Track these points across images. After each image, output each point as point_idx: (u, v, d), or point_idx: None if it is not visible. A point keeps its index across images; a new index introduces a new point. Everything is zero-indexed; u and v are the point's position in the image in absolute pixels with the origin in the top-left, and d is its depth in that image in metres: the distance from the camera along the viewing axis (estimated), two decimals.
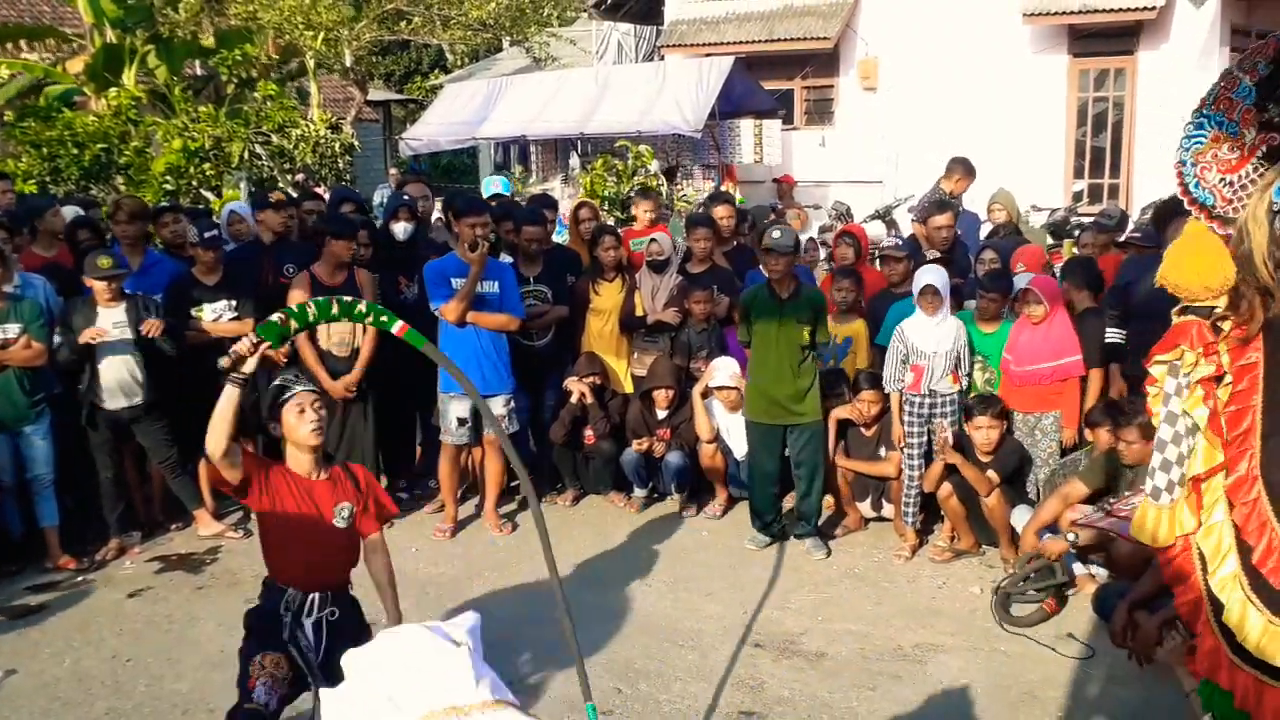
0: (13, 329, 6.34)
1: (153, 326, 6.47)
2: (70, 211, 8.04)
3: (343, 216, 7.53)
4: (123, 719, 4.89)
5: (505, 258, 7.46)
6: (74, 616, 5.99)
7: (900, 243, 7.96)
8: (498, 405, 6.88)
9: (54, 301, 6.80)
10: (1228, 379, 2.89)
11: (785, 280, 6.52)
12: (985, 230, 9.08)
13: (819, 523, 6.83)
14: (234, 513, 7.38)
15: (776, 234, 6.59)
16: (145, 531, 7.08)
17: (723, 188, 13.11)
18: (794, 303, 6.51)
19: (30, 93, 14.70)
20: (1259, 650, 2.78)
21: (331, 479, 4.15)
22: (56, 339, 6.48)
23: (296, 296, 6.89)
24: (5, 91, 14.65)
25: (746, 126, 14.41)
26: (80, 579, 6.49)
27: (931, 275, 6.55)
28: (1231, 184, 2.88)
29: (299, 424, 4.04)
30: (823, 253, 9.45)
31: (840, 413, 6.90)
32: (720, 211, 8.31)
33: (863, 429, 6.88)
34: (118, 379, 6.57)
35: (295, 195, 9.51)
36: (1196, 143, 2.89)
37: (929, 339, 6.50)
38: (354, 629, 4.07)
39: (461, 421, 6.84)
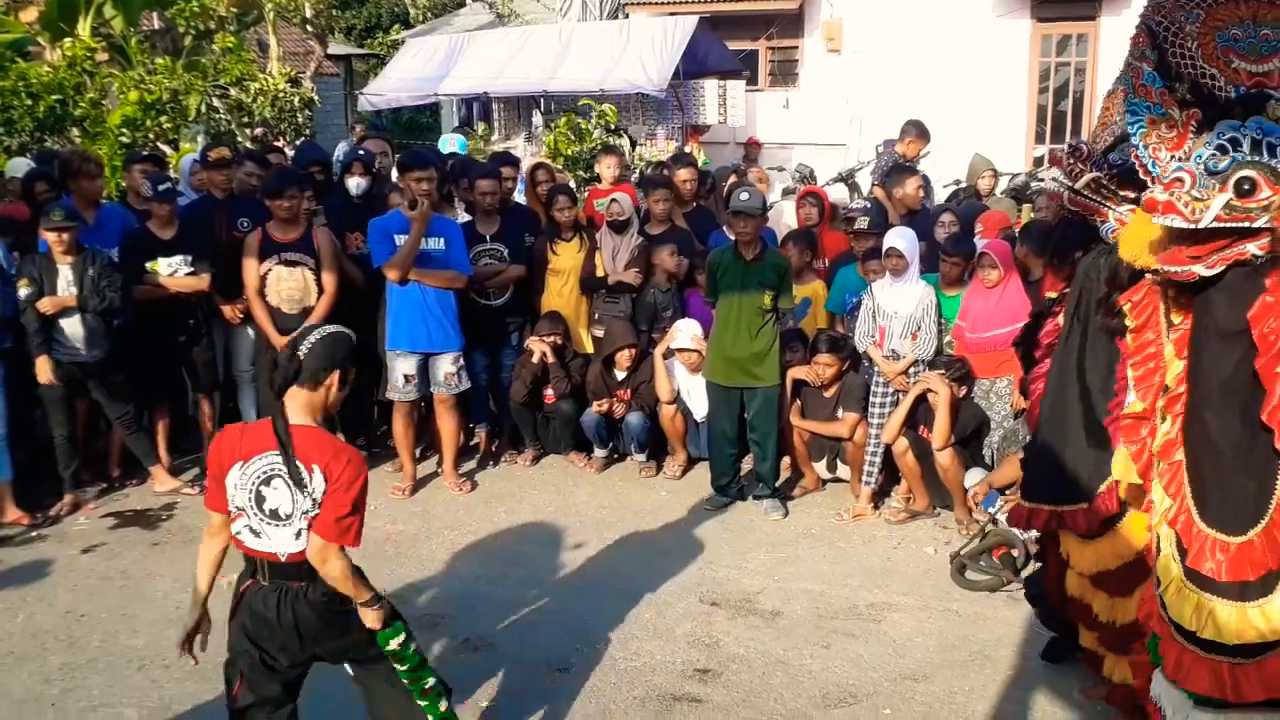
0: None
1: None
2: (22, 164, 7.89)
3: (280, 172, 7.37)
4: (77, 673, 4.87)
5: (463, 215, 7.41)
6: (27, 572, 5.95)
7: (867, 205, 7.97)
8: (446, 363, 6.85)
9: (5, 257, 6.68)
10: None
11: (752, 243, 6.52)
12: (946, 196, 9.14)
13: (777, 484, 6.89)
14: (190, 469, 7.34)
15: (744, 196, 6.59)
16: (100, 488, 7.02)
17: (686, 149, 13.06)
18: (758, 265, 6.52)
19: None
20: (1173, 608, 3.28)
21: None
22: (23, 291, 6.38)
23: (248, 256, 6.83)
24: None
25: (710, 87, 14.32)
26: (34, 534, 6.44)
27: (896, 238, 6.58)
28: (1180, 159, 3.11)
29: None
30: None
31: (797, 373, 6.94)
32: (682, 174, 8.29)
33: (822, 390, 6.92)
34: (72, 333, 6.49)
35: (253, 149, 9.38)
36: (1139, 128, 3.15)
37: (892, 300, 6.56)
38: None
39: (408, 378, 6.82)
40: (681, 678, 4.82)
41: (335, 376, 3.50)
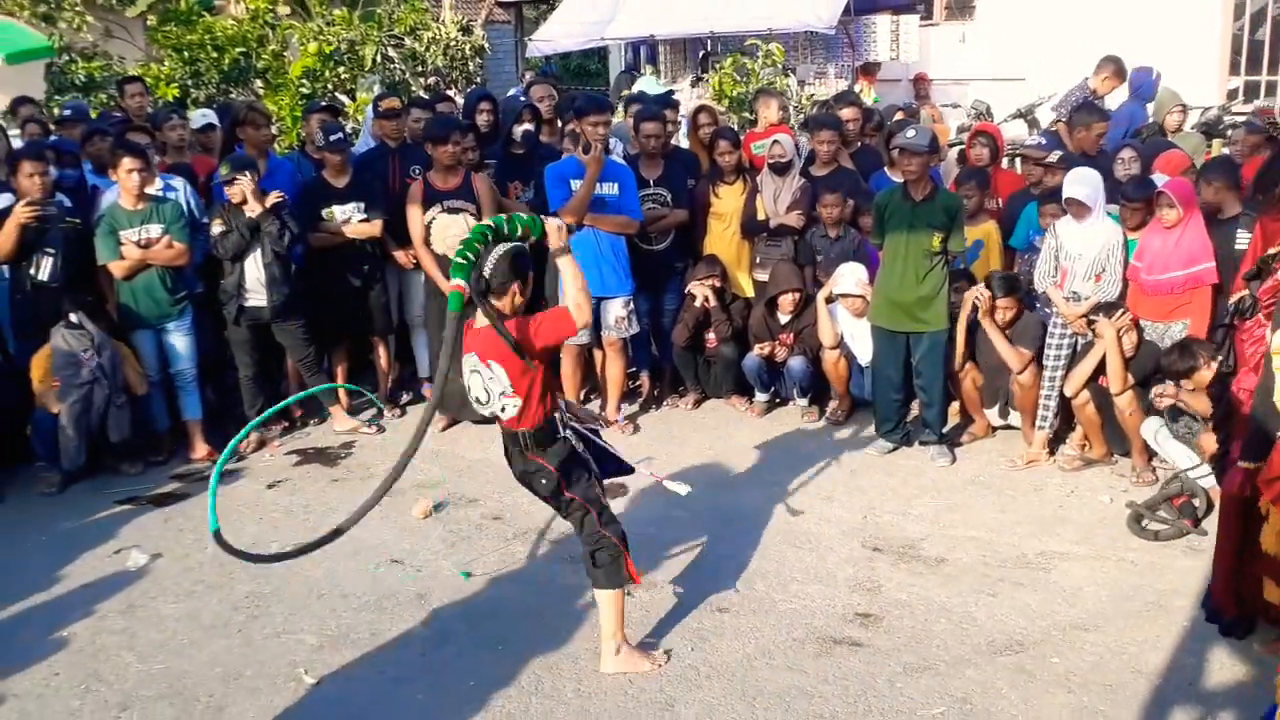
0: (155, 229, 6.60)
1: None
2: (200, 117, 8.24)
3: (442, 119, 7.51)
4: (261, 601, 5.14)
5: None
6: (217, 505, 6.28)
7: (1044, 142, 7.65)
8: (617, 307, 6.90)
9: (196, 203, 7.04)
10: None
11: (920, 182, 6.34)
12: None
13: (944, 430, 6.74)
14: (367, 409, 7.62)
15: (910, 133, 6.41)
16: (283, 426, 7.37)
17: (856, 87, 12.75)
18: (928, 206, 6.33)
19: None
20: None
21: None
22: (217, 229, 6.69)
23: (412, 205, 7.00)
24: None
25: (883, 22, 13.91)
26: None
27: (1076, 185, 6.30)
28: None
29: None
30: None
31: (969, 299, 6.63)
32: (846, 113, 8.10)
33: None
34: (255, 278, 6.78)
35: (422, 97, 9.56)
36: None
37: (1076, 240, 6.32)
38: None
39: None
40: (842, 621, 4.80)
41: (516, 286, 4.15)
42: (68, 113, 8.80)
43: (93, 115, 9.44)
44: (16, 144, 7.70)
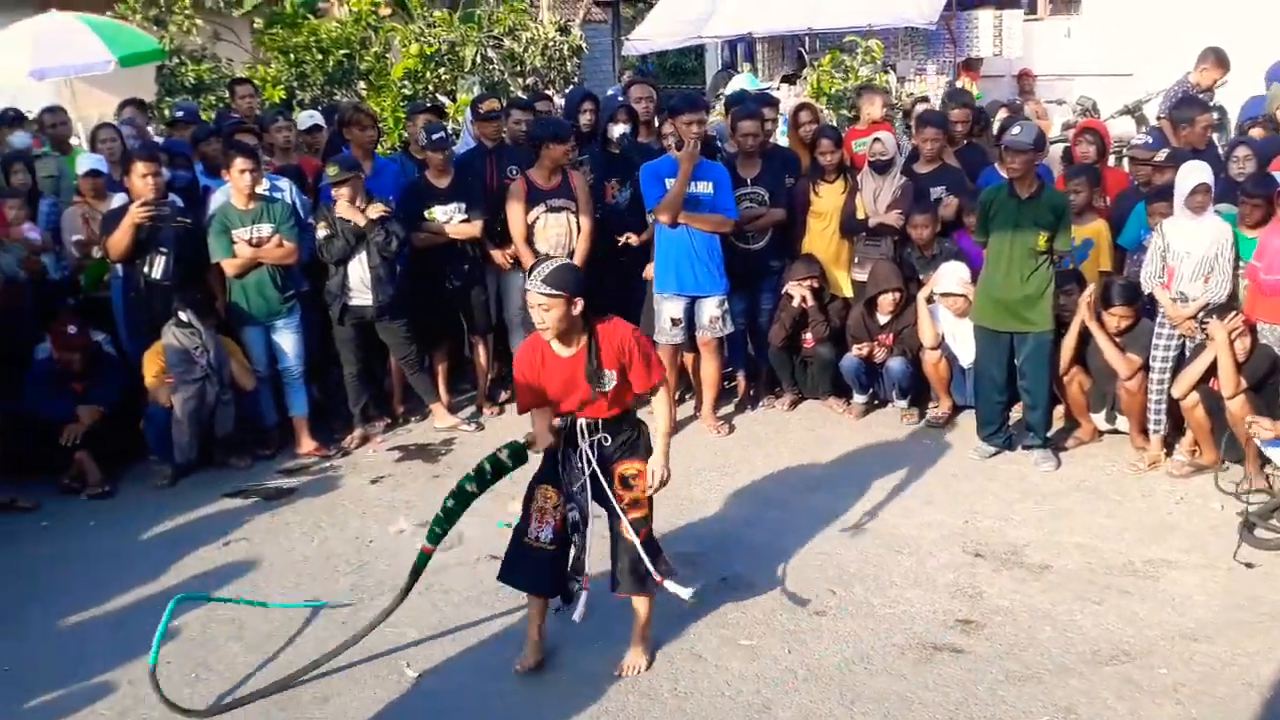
0: (265, 229, 6.77)
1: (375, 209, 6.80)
2: (306, 118, 8.41)
3: (556, 121, 7.59)
4: (365, 594, 5.25)
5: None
6: (321, 499, 6.44)
7: (1151, 141, 7.46)
8: (711, 307, 6.89)
9: (302, 203, 7.20)
10: None
11: (1026, 179, 6.22)
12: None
13: (1049, 434, 6.60)
14: (467, 407, 7.72)
15: (1016, 130, 6.28)
16: (386, 423, 7.49)
17: (958, 84, 12.56)
18: (1034, 204, 6.21)
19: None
20: None
21: (579, 355, 4.28)
22: (322, 232, 6.82)
23: (514, 203, 7.07)
24: None
25: (985, 17, 13.67)
26: (327, 465, 6.95)
27: (1201, 172, 6.14)
28: None
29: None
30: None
31: (1084, 306, 6.46)
32: (955, 114, 7.97)
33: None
34: (360, 278, 6.91)
35: (521, 98, 9.64)
36: None
37: (1184, 239, 6.15)
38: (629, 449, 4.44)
39: (675, 322, 6.89)
40: (943, 627, 4.73)
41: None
42: (180, 114, 9.04)
43: (203, 117, 9.70)
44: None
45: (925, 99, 9.48)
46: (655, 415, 4.40)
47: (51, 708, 4.42)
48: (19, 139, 8.52)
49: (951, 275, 6.85)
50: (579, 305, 4.15)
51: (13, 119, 9.00)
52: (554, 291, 4.08)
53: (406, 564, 5.39)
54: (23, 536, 6.11)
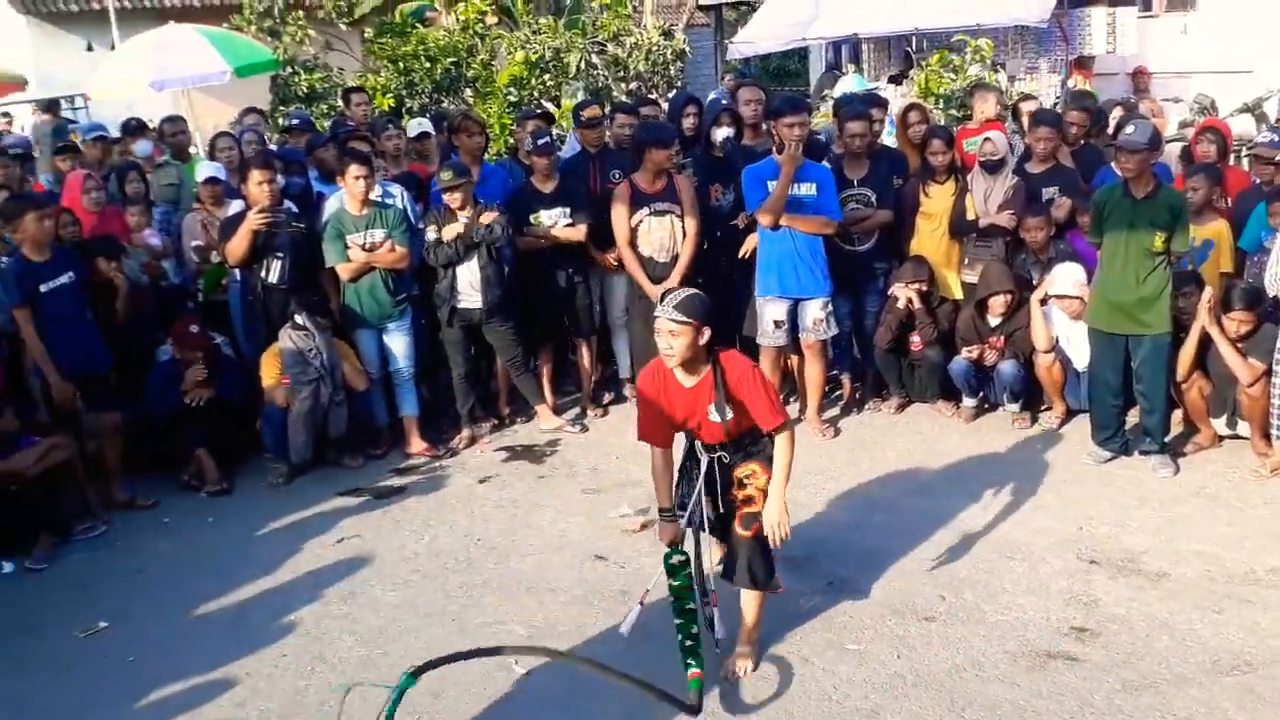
0: (378, 234, 6.90)
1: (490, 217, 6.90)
2: (415, 126, 8.56)
3: (660, 125, 7.60)
4: (474, 592, 5.32)
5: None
6: (431, 498, 6.54)
7: (1275, 139, 7.20)
8: (814, 309, 6.84)
9: (413, 209, 7.33)
10: None
11: (1141, 179, 6.06)
12: None
13: (1166, 440, 6.42)
14: (571, 409, 7.78)
15: (1130, 129, 6.13)
16: (492, 424, 7.58)
17: (1070, 82, 12.29)
18: (1149, 204, 6.05)
19: (385, 9, 15.63)
20: None
21: (702, 385, 4.29)
22: (431, 235, 6.94)
23: (618, 206, 7.11)
24: (361, 7, 15.62)
25: (1098, 15, 13.37)
26: (436, 464, 7.06)
27: None
28: None
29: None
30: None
31: (1204, 310, 6.28)
32: (1072, 115, 7.78)
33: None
34: (468, 282, 7.01)
35: (626, 102, 9.69)
36: None
37: None
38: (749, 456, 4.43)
39: (777, 324, 6.85)
40: (1056, 635, 4.63)
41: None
42: (295, 121, 9.27)
43: (317, 125, 9.94)
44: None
45: (1031, 96, 9.27)
46: (775, 462, 4.32)
47: (173, 700, 4.55)
48: (141, 147, 8.86)
49: (1066, 277, 6.70)
50: (706, 334, 4.15)
51: (135, 128, 9.35)
52: (684, 319, 4.09)
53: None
54: (143, 533, 6.31)
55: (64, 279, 6.44)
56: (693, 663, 4.32)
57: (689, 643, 4.36)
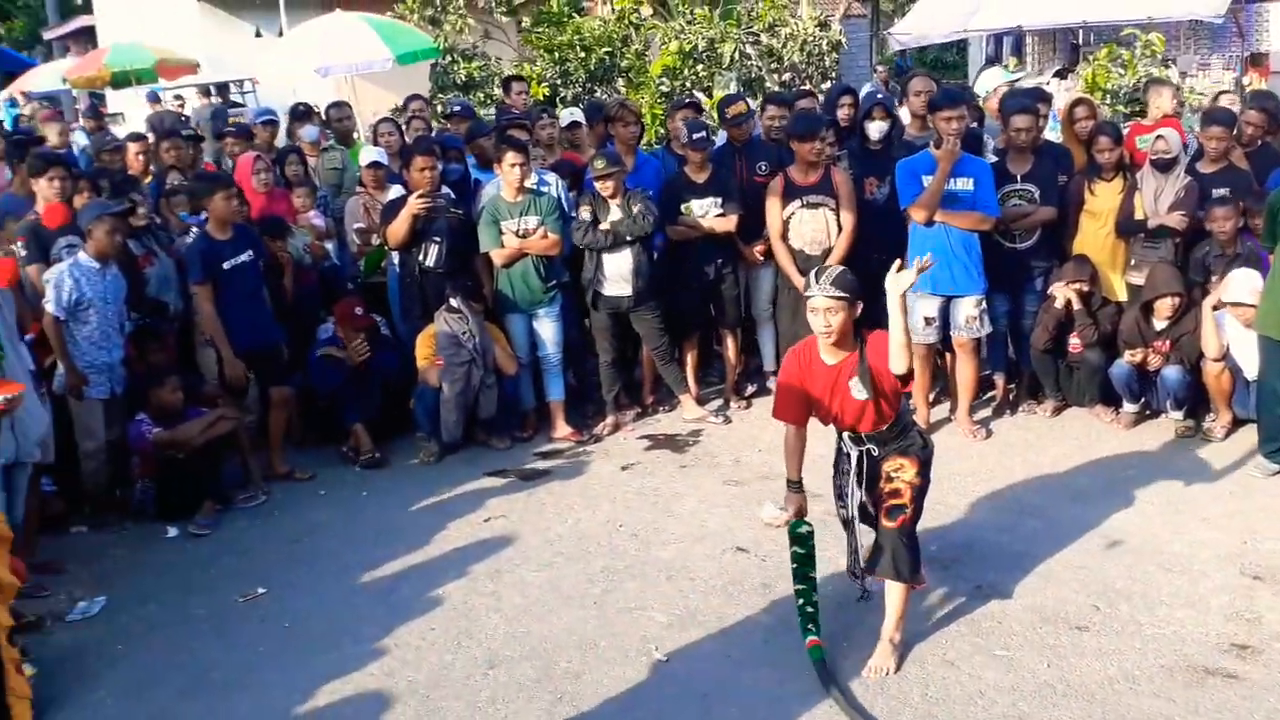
0: (531, 221, 7.01)
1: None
2: (567, 115, 8.65)
3: (806, 117, 7.49)
4: (615, 577, 5.37)
5: (991, 157, 7.13)
6: (575, 482, 6.62)
7: None
8: (968, 306, 6.69)
9: (566, 198, 7.42)
10: None
11: None
12: None
13: None
14: (714, 399, 7.78)
15: None
16: (636, 411, 7.63)
17: (1245, 79, 11.76)
18: None
19: None
20: None
21: (845, 363, 4.36)
22: (585, 215, 7.00)
23: (771, 199, 7.07)
24: None
25: (1277, 10, 12.75)
26: (580, 449, 7.15)
27: None
28: None
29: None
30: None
31: None
32: (1250, 115, 7.42)
33: None
34: (617, 270, 7.06)
35: (784, 94, 9.61)
36: None
37: None
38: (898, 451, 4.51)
39: (928, 321, 6.72)
40: (1216, 651, 4.45)
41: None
42: (456, 108, 9.47)
43: (477, 113, 10.12)
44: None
45: (1227, 91, 8.85)
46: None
47: (325, 667, 4.70)
48: (308, 132, 9.15)
49: (1243, 284, 6.38)
50: (859, 309, 4.24)
51: (302, 113, 9.67)
52: (841, 294, 4.19)
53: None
54: (301, 504, 6.56)
55: (244, 256, 6.72)
56: (812, 628, 4.49)
57: (810, 609, 4.56)
